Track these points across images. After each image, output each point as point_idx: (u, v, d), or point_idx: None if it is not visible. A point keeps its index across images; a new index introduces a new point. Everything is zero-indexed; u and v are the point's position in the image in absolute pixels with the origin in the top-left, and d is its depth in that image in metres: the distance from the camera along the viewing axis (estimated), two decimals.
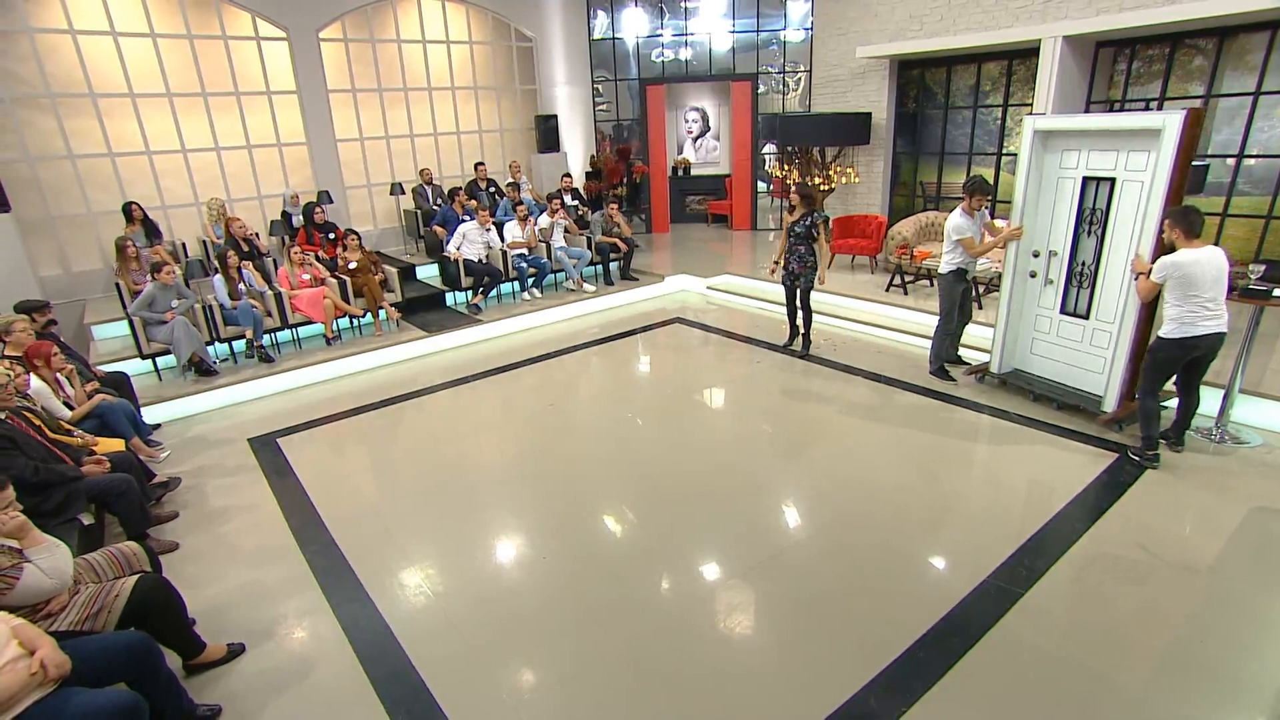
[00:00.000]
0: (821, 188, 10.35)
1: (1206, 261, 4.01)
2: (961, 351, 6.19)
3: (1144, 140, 4.53)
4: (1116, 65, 8.09)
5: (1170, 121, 4.25)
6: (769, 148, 11.71)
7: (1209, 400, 4.87)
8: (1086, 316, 5.09)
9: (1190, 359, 4.24)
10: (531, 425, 5.54)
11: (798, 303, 6.58)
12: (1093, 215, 4.92)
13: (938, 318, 5.85)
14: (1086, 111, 8.12)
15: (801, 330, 6.71)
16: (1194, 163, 6.83)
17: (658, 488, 4.49)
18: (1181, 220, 4.05)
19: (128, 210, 7.77)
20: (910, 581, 3.47)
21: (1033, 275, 5.36)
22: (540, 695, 2.89)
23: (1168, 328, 4.17)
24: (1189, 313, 4.09)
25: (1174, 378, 4.44)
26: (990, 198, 5.43)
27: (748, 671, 2.94)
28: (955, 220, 5.44)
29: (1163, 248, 4.31)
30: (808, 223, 6.16)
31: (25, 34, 7.48)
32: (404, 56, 10.15)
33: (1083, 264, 5.06)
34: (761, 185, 12.22)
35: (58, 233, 8.04)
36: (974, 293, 5.81)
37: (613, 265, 9.11)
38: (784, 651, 3.06)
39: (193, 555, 3.95)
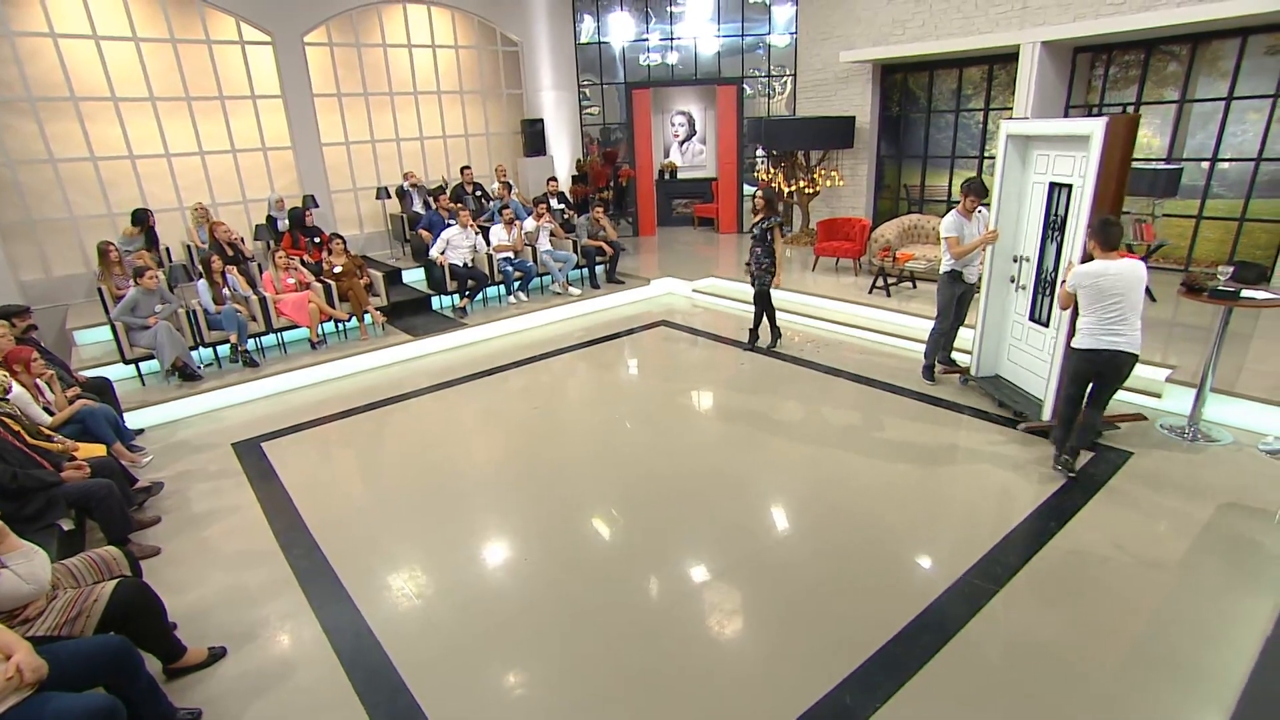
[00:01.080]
0: (806, 191, 10.45)
1: (1116, 274, 3.91)
2: (956, 355, 6.10)
3: (1087, 146, 4.47)
4: (1094, 70, 8.22)
5: (1096, 128, 4.23)
6: (761, 151, 11.79)
7: (1182, 399, 4.97)
8: (1048, 324, 5.05)
9: (1097, 373, 4.11)
10: (516, 429, 5.54)
11: (758, 302, 6.70)
12: (1055, 221, 4.93)
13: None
14: (1066, 116, 8.24)
15: (751, 327, 6.87)
16: (1169, 166, 7.05)
17: (641, 490, 4.50)
18: (1099, 231, 3.97)
19: (142, 215, 7.73)
20: (887, 580, 3.50)
21: (1011, 280, 5.43)
22: (522, 697, 2.90)
23: (1076, 337, 4.14)
24: (1093, 324, 4.02)
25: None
26: (985, 199, 5.39)
27: (727, 670, 2.97)
28: (945, 219, 5.46)
29: (1085, 256, 4.28)
30: (765, 226, 6.29)
31: (5, 37, 7.43)
32: (389, 61, 10.15)
33: (1047, 270, 5.06)
34: (749, 189, 12.28)
35: (39, 237, 7.98)
36: (971, 297, 5.71)
37: (598, 268, 9.12)
38: (762, 650, 3.09)
39: (175, 559, 3.93)
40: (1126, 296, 3.94)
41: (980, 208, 5.43)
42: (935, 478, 4.49)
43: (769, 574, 3.58)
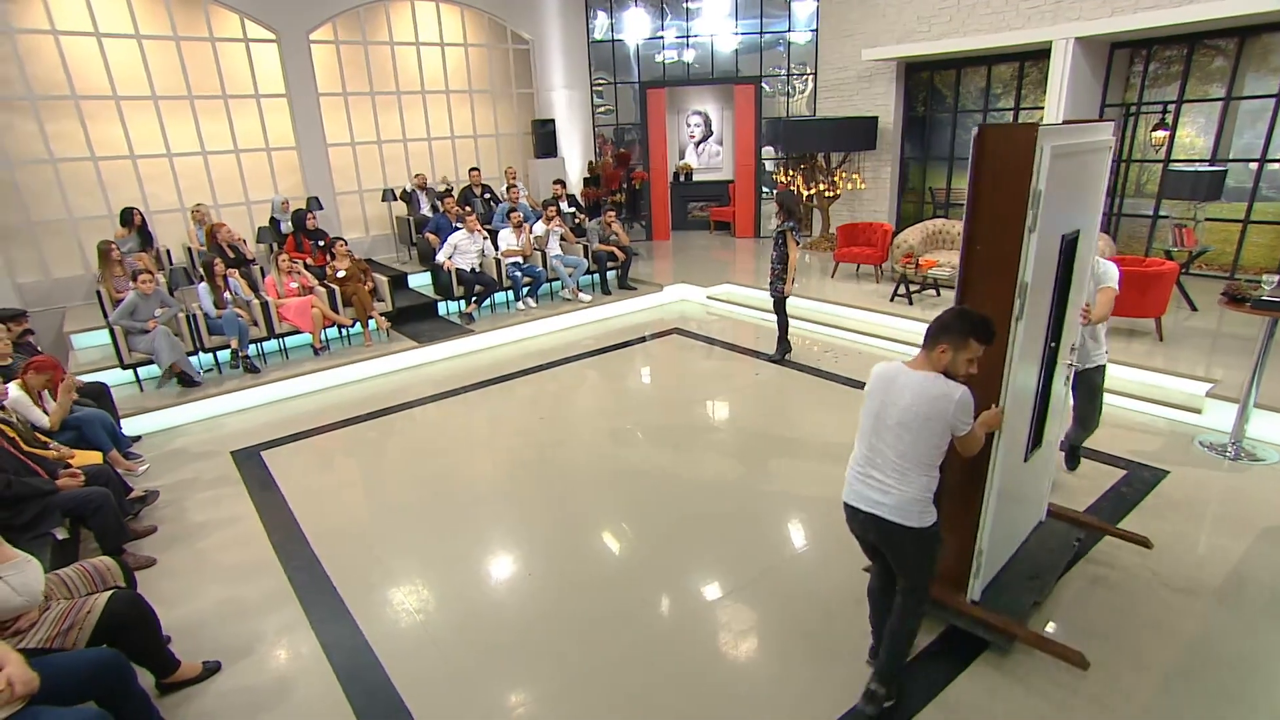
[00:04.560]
0: (826, 194, 10.13)
1: (888, 385, 2.42)
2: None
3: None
4: (1133, 67, 7.86)
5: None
6: (769, 150, 11.48)
7: (1224, 414, 4.68)
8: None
9: (873, 545, 2.60)
10: (523, 439, 5.35)
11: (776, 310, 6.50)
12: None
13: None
14: (1100, 117, 7.88)
15: (778, 335, 6.62)
16: (1213, 168, 6.66)
17: (650, 503, 4.33)
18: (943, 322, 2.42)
19: (128, 215, 7.58)
20: None
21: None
22: (523, 716, 2.79)
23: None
24: (854, 461, 2.54)
25: None
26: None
27: (735, 692, 2.85)
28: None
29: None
30: (778, 230, 6.18)
31: (6, 35, 7.28)
32: (397, 59, 9.94)
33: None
34: (767, 189, 11.98)
35: (37, 238, 7.83)
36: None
37: (610, 274, 8.87)
38: (773, 672, 2.96)
39: (170, 571, 3.83)
40: (900, 434, 2.35)
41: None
42: None
43: (782, 593, 3.42)
